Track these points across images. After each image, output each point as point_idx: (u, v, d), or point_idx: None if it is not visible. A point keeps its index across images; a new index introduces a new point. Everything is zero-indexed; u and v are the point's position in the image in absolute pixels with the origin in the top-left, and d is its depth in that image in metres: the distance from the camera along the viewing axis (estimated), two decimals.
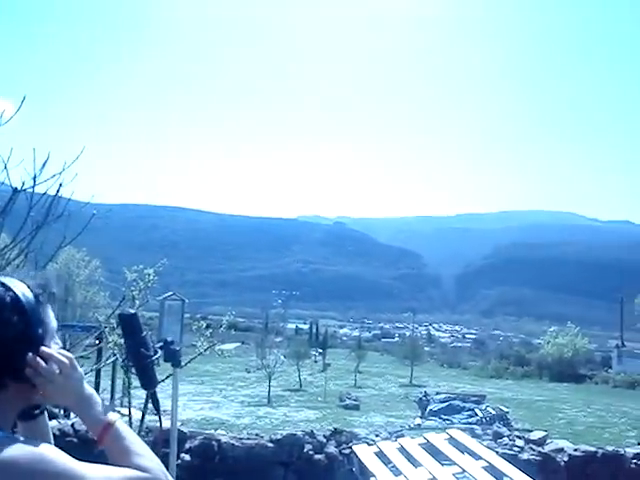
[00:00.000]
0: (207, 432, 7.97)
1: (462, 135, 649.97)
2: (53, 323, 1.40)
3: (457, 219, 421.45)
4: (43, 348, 1.33)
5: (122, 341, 6.41)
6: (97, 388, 12.24)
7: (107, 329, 6.43)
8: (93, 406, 1.38)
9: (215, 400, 23.23)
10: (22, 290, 1.32)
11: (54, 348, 1.37)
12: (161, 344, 1.69)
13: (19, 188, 6.11)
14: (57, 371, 1.33)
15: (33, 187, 6.22)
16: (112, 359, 6.92)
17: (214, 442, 7.46)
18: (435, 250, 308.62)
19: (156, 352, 1.66)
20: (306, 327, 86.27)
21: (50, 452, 1.22)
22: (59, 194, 6.23)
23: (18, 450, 1.19)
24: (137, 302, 6.76)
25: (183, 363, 6.41)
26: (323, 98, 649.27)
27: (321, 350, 48.12)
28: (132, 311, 1.67)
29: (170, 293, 9.70)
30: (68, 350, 1.39)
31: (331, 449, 7.69)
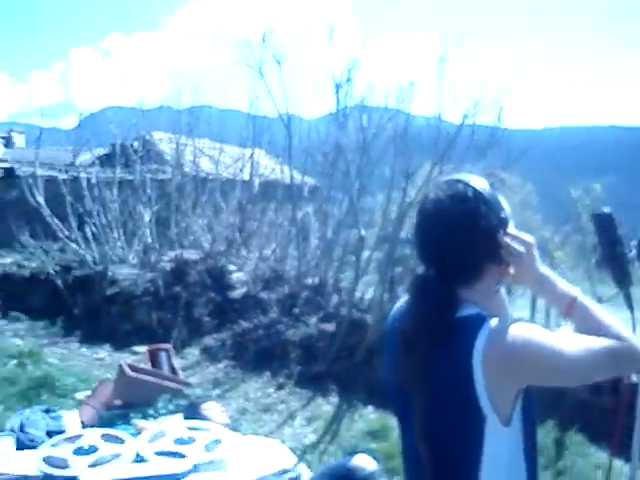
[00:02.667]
0: None
1: None
2: (508, 208, 1.53)
3: None
4: (509, 230, 1.48)
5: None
6: None
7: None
8: (554, 283, 1.50)
9: None
10: (478, 182, 1.48)
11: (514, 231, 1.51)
12: (636, 242, 1.71)
13: (462, 120, 6.58)
14: (523, 248, 1.47)
15: (474, 117, 6.62)
16: None
17: None
18: None
19: (630, 250, 1.68)
20: None
21: (533, 332, 1.39)
22: (498, 122, 6.53)
23: (508, 335, 1.37)
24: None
25: None
26: None
27: None
28: (607, 210, 1.72)
29: None
30: None
31: None
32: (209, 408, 4.11)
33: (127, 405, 3.12)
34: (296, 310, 6.79)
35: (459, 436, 1.42)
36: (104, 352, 7.16)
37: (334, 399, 5.67)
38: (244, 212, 8.78)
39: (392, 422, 4.27)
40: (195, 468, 1.93)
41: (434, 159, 6.05)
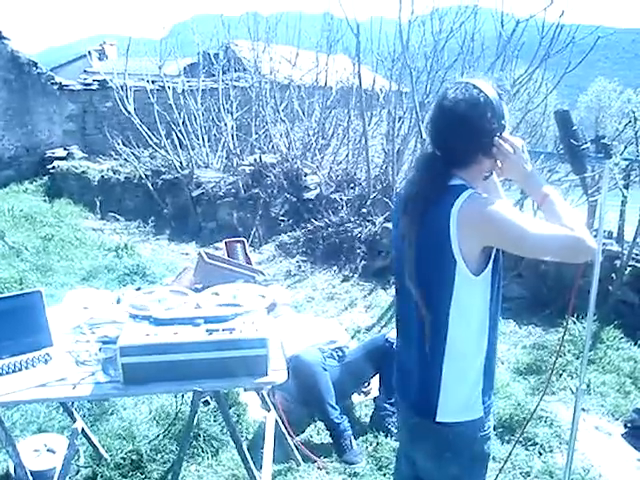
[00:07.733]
0: None
1: None
2: (507, 116, 1.89)
3: None
4: (504, 134, 1.87)
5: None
6: None
7: None
8: (536, 180, 1.89)
9: None
10: (490, 91, 1.84)
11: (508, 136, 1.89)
12: (592, 138, 2.01)
13: (520, 20, 6.55)
14: (512, 150, 1.85)
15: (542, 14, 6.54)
16: None
17: None
18: None
19: (586, 142, 2.00)
20: None
21: (503, 205, 1.77)
22: (560, 21, 6.43)
23: (481, 201, 1.77)
24: None
25: None
26: None
27: None
28: (565, 108, 2.03)
29: None
30: None
31: None
32: (273, 289, 4.70)
33: (205, 288, 3.72)
34: (364, 210, 7.21)
35: (437, 276, 1.84)
36: (190, 248, 7.92)
37: (392, 291, 6.15)
38: (320, 117, 9.11)
39: None
40: (244, 313, 2.52)
41: (496, 58, 6.18)
